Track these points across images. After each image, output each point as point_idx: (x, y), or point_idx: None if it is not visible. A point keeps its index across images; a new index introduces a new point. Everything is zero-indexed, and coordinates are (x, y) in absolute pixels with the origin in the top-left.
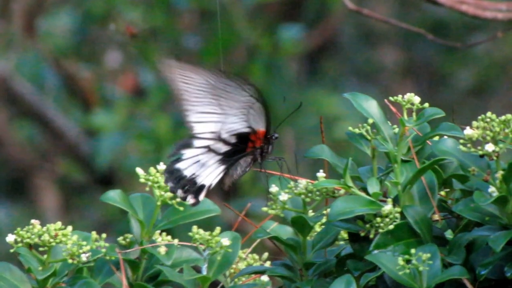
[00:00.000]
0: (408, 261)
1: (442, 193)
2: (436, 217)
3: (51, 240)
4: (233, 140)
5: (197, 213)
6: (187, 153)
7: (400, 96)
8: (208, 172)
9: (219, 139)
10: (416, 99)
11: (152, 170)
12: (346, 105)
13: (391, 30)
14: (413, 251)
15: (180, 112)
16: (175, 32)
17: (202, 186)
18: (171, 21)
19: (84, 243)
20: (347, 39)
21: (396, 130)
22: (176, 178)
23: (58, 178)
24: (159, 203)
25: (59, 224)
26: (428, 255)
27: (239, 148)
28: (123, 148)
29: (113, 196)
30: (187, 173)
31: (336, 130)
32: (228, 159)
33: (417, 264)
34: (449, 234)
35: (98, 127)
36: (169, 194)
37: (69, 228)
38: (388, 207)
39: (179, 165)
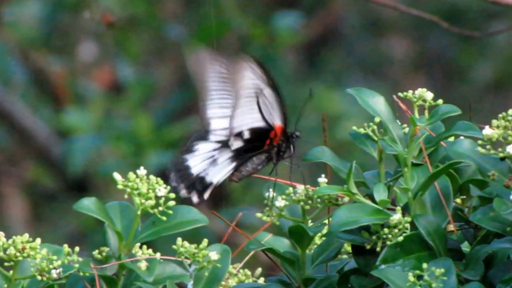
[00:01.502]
0: (419, 277)
1: (458, 200)
2: (451, 227)
3: (18, 254)
4: (249, 136)
5: (182, 223)
6: (201, 148)
7: (410, 91)
8: (218, 169)
9: (235, 134)
10: (429, 95)
11: (131, 175)
12: (349, 101)
13: (400, 17)
14: (425, 265)
15: (199, 105)
16: (157, 21)
17: (210, 184)
18: (153, 8)
19: (55, 257)
20: (350, 28)
21: (406, 130)
22: (182, 176)
23: (25, 185)
24: (139, 212)
25: (26, 236)
26: (442, 270)
27: (255, 146)
28: (99, 151)
29: (88, 204)
30: (196, 170)
31: (339, 130)
32: (241, 156)
33: (430, 280)
34: (465, 247)
35: (70, 127)
36: (150, 203)
37: (38, 240)
38: (397, 217)
39: (190, 162)
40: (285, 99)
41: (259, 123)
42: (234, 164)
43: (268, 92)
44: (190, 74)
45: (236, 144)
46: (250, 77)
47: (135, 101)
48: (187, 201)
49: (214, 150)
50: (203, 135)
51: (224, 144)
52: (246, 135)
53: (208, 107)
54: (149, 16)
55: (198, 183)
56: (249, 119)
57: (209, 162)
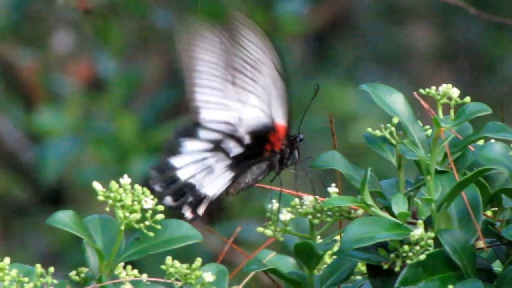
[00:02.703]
0: None
1: (489, 213)
2: (481, 244)
3: None
4: (248, 139)
5: (172, 240)
6: (188, 145)
7: (433, 87)
8: (214, 178)
9: (233, 135)
10: (455, 92)
11: (113, 184)
12: (364, 99)
13: (422, 2)
14: (451, 287)
15: (186, 87)
16: (142, 7)
17: (203, 196)
18: None
19: (26, 279)
20: (365, 14)
21: (429, 132)
22: (166, 179)
23: None
24: (122, 227)
25: None
26: None
27: (254, 152)
28: (76, 157)
29: (64, 218)
30: (183, 175)
31: (352, 132)
32: (240, 164)
33: None
34: (497, 266)
35: (44, 130)
36: (135, 216)
37: (7, 260)
38: (418, 232)
39: (175, 161)
40: (291, 93)
41: (260, 114)
42: (233, 174)
43: (273, 74)
44: (178, 51)
45: (236, 149)
46: (267, 64)
47: (117, 100)
48: (176, 213)
49: (207, 152)
50: (192, 130)
51: (218, 146)
52: (248, 139)
53: (198, 90)
54: (132, 1)
55: (190, 194)
56: (256, 115)
57: (202, 168)
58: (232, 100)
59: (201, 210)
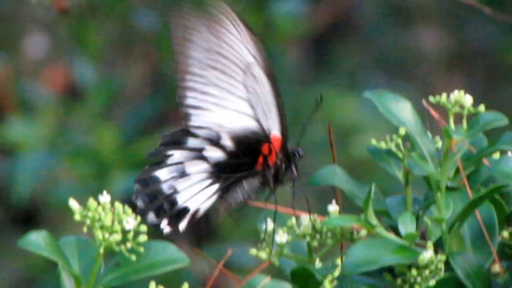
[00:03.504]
0: None
1: (505, 234)
2: (497, 268)
3: None
4: (233, 146)
5: (157, 263)
6: (175, 155)
7: (444, 95)
8: (194, 190)
9: (216, 141)
10: (468, 100)
11: (91, 203)
12: (368, 108)
13: (431, 2)
14: None
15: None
16: (123, 7)
17: (184, 210)
18: None
19: None
20: (369, 15)
21: (439, 144)
22: (151, 193)
23: None
24: (101, 250)
25: None
26: None
27: (242, 162)
28: (51, 172)
29: (37, 240)
30: (167, 187)
31: (354, 145)
32: (225, 176)
33: None
34: None
35: (15, 142)
36: (116, 238)
37: None
38: (428, 255)
39: (159, 173)
40: (283, 102)
41: (251, 123)
42: (215, 187)
43: (262, 79)
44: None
45: (219, 156)
46: (245, 56)
47: (96, 109)
48: (160, 234)
49: (189, 161)
50: (179, 138)
51: (201, 155)
52: (228, 143)
53: (189, 93)
54: (113, 1)
55: (169, 206)
56: (239, 111)
57: (182, 178)
58: (221, 104)
59: (181, 226)
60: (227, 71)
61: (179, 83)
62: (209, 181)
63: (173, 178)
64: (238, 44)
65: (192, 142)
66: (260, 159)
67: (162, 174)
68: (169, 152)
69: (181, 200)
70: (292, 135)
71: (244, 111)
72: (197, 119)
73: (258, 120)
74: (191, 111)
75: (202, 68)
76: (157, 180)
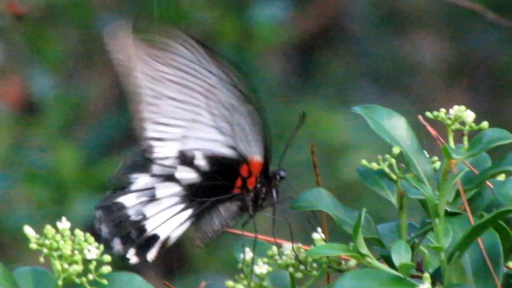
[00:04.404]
0: None
1: (511, 264)
2: None
3: None
4: (207, 167)
5: None
6: (140, 180)
7: (443, 110)
8: (164, 216)
9: (187, 162)
10: (469, 115)
11: (49, 229)
12: (358, 125)
13: (429, 7)
14: None
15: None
16: (85, 12)
17: (154, 238)
18: None
19: None
20: (360, 22)
21: (438, 164)
22: (115, 219)
23: None
24: (60, 282)
25: None
26: None
27: (218, 185)
28: (4, 196)
29: None
30: (134, 213)
31: (343, 165)
32: (199, 200)
33: None
34: None
35: None
36: (76, 268)
37: None
38: (424, 287)
39: (123, 199)
40: (266, 121)
41: (224, 150)
42: (189, 212)
43: (248, 113)
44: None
45: (186, 175)
46: (228, 90)
47: (55, 126)
48: (126, 264)
49: (158, 184)
50: (143, 164)
51: (171, 178)
52: (202, 163)
53: (149, 125)
54: (74, 4)
55: (137, 234)
56: (207, 139)
57: (150, 204)
58: (186, 134)
59: (150, 255)
60: (185, 98)
61: (133, 115)
62: (182, 206)
63: (141, 203)
64: (194, 67)
65: (157, 168)
66: (238, 182)
67: (128, 200)
68: (133, 177)
69: (150, 227)
70: (273, 154)
71: (213, 138)
72: (161, 150)
73: (231, 146)
74: (153, 143)
75: (156, 97)
76: (122, 207)
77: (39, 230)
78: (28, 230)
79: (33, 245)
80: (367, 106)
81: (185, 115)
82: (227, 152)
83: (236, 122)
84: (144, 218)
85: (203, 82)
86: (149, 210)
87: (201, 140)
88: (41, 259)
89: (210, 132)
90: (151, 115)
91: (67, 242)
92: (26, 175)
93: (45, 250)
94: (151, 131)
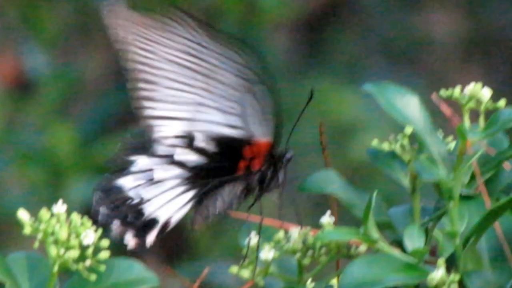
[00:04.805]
0: None
1: None
2: None
3: None
4: (212, 148)
5: (121, 284)
6: (140, 162)
7: (458, 88)
8: (164, 198)
9: (190, 145)
10: (486, 94)
11: (44, 214)
12: (368, 104)
13: None
14: None
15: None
16: None
17: (153, 221)
18: None
19: None
20: None
21: (452, 145)
22: (113, 202)
23: None
24: (56, 268)
25: None
26: None
27: (222, 166)
28: None
29: None
30: (132, 196)
31: (353, 146)
32: (202, 181)
33: None
34: None
35: None
36: (72, 254)
37: None
38: (438, 274)
39: (123, 181)
40: (280, 105)
41: (229, 130)
42: (191, 194)
43: (259, 92)
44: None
45: (196, 160)
46: (237, 70)
47: (51, 105)
48: (121, 247)
49: (159, 166)
50: (145, 145)
51: (173, 160)
52: (204, 144)
53: (149, 103)
54: None
55: (136, 217)
56: (211, 120)
57: (150, 185)
58: (186, 116)
59: (149, 239)
60: (186, 79)
61: (132, 94)
62: (183, 188)
63: (141, 185)
64: (194, 47)
65: (158, 149)
66: (243, 163)
67: (127, 181)
68: (132, 158)
69: (149, 210)
70: (280, 135)
71: (217, 119)
72: (161, 131)
73: (236, 126)
74: (153, 122)
75: (155, 75)
76: (120, 189)
77: (34, 214)
78: (22, 215)
79: (28, 230)
80: (378, 84)
81: (187, 96)
82: (231, 132)
83: (242, 102)
84: (143, 200)
85: (205, 62)
86: (148, 192)
87: (204, 121)
88: (36, 245)
89: (213, 113)
90: (150, 94)
91: (63, 227)
92: (19, 156)
93: (40, 235)
94: (150, 110)
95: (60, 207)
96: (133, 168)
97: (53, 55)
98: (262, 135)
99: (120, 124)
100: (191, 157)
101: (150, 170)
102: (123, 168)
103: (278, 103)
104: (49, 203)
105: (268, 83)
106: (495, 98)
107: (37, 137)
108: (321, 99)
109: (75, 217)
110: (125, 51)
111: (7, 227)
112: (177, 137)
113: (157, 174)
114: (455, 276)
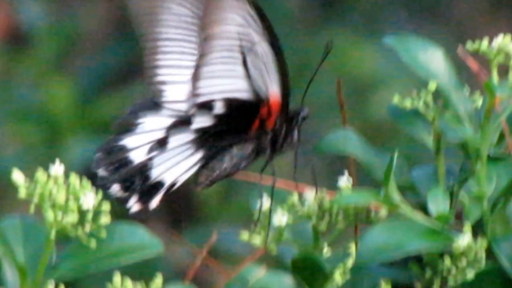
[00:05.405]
0: None
1: None
2: None
3: None
4: (223, 110)
5: (123, 250)
6: (147, 123)
7: (485, 40)
8: (173, 161)
9: (199, 105)
10: None
11: (40, 175)
12: (389, 58)
13: None
14: None
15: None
16: None
17: (158, 184)
18: None
19: None
20: None
21: (479, 102)
22: (114, 162)
23: None
24: (53, 234)
25: None
26: None
27: (232, 128)
28: None
29: None
30: (136, 157)
31: (373, 103)
32: (211, 142)
33: None
34: None
35: None
36: (71, 219)
37: None
38: (465, 240)
39: (127, 142)
40: (286, 61)
41: (243, 94)
42: (199, 155)
43: (264, 48)
44: (132, 13)
45: (201, 121)
46: (237, 23)
47: (47, 60)
48: (123, 210)
49: (166, 128)
50: (152, 105)
51: (182, 122)
52: (219, 108)
53: (159, 64)
54: None
55: (140, 180)
56: (225, 85)
57: (156, 147)
58: (205, 73)
59: (153, 202)
60: (223, 45)
61: (146, 64)
62: (192, 150)
63: (146, 147)
64: (241, 21)
65: (167, 111)
66: (256, 124)
67: (132, 142)
68: (139, 120)
69: (155, 173)
70: (294, 91)
71: (240, 83)
72: (170, 94)
73: (256, 91)
74: (164, 87)
75: (163, 39)
76: (124, 149)
77: (29, 176)
78: (17, 176)
79: (23, 193)
80: (400, 36)
81: (191, 58)
82: (245, 95)
83: (263, 68)
84: (149, 162)
85: (244, 35)
86: (154, 154)
87: (218, 83)
88: (32, 209)
89: (230, 76)
90: (159, 57)
91: (60, 189)
92: (14, 113)
93: (36, 199)
94: (160, 74)
95: (57, 168)
96: (140, 129)
97: (49, 6)
98: (271, 95)
99: (121, 80)
100: (201, 119)
101: (158, 131)
102: (129, 129)
103: (283, 61)
104: (46, 163)
105: (270, 41)
106: None
107: (33, 93)
108: (338, 54)
109: (74, 179)
110: (147, 24)
111: (1, 190)
112: (186, 101)
113: (166, 136)
114: (482, 242)
